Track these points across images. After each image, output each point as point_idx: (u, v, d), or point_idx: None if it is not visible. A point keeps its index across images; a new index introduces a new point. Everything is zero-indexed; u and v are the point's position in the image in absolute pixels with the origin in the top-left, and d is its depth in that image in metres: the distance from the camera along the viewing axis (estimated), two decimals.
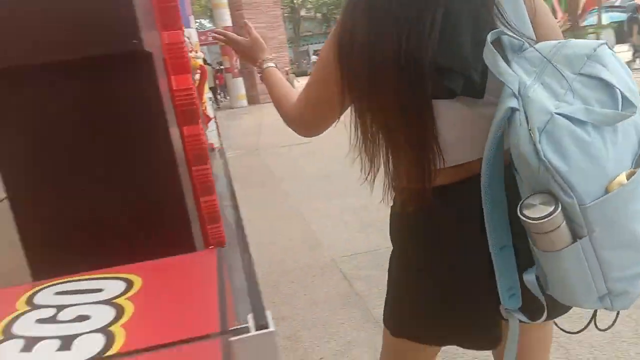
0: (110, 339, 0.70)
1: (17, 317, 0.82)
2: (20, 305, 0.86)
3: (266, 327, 0.55)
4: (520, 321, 0.99)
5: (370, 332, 2.35)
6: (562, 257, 0.83)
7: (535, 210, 0.80)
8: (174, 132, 1.31)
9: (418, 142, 0.93)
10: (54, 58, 1.02)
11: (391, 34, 0.89)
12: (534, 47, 0.86)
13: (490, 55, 0.83)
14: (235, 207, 2.21)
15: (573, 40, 0.88)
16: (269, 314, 0.58)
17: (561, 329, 1.12)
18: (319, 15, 43.14)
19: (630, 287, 0.86)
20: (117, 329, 0.73)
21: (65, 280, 0.94)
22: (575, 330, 1.05)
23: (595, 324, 1.01)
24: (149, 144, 1.13)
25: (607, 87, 0.79)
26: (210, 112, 6.80)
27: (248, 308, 0.68)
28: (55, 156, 1.11)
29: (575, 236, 0.80)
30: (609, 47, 0.85)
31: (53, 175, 1.12)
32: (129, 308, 0.79)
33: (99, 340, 0.70)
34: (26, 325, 0.78)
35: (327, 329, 2.44)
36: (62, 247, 1.13)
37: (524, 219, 0.81)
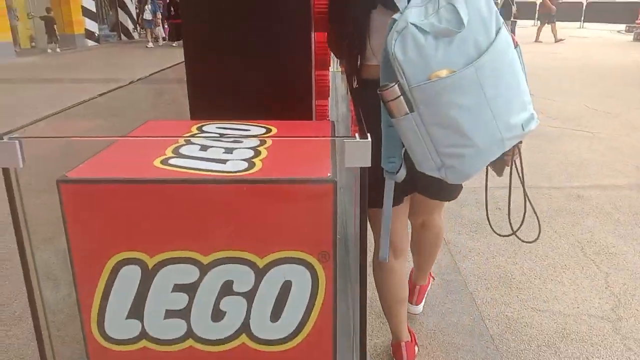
0: (251, 166, 1.00)
1: (194, 134, 1.19)
2: (194, 129, 1.23)
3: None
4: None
5: None
6: (402, 125, 1.18)
7: (386, 86, 1.15)
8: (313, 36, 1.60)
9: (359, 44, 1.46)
10: None
11: None
12: None
13: None
14: None
15: None
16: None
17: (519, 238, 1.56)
18: None
19: (456, 163, 1.20)
20: (256, 160, 1.03)
21: (223, 122, 1.30)
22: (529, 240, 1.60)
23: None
24: (297, 38, 1.44)
25: (457, 11, 1.13)
26: None
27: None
28: (226, 39, 1.45)
29: (410, 110, 1.15)
30: None
31: (219, 49, 1.47)
32: (264, 150, 1.10)
33: (243, 164, 1.01)
34: (200, 140, 1.14)
35: None
36: (219, 107, 1.49)
37: (378, 92, 1.17)
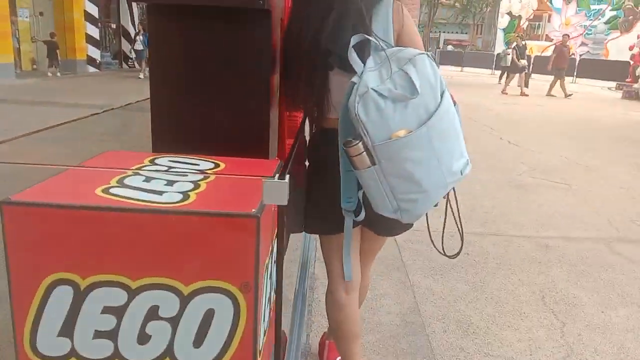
0: (185, 198, 1.08)
1: (145, 165, 1.26)
2: (146, 161, 1.31)
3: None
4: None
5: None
6: (364, 175, 1.34)
7: (350, 143, 1.32)
8: (276, 78, 1.70)
9: (318, 100, 1.58)
10: (197, 1, 1.44)
11: (301, 29, 1.56)
12: (384, 50, 1.36)
13: (350, 51, 1.36)
14: None
15: (407, 48, 1.38)
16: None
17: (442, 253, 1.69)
18: (458, 4, 41.81)
19: (409, 207, 1.37)
20: (192, 193, 1.11)
21: (178, 155, 1.38)
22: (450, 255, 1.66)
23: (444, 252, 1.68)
24: (254, 79, 1.53)
25: (410, 79, 1.29)
26: None
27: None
28: (187, 74, 1.55)
29: (372, 163, 1.31)
30: (429, 57, 1.32)
31: (183, 87, 1.56)
32: (204, 184, 1.17)
33: (178, 196, 1.08)
34: (147, 172, 1.22)
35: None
36: (180, 142, 1.58)
37: (344, 147, 1.34)
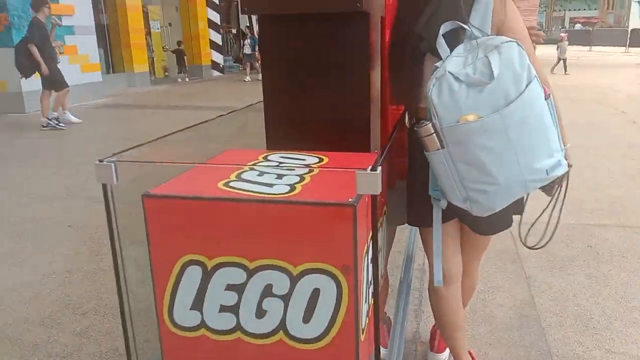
0: (292, 189, 1.20)
1: (259, 162, 1.42)
2: (260, 158, 1.46)
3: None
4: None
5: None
6: (433, 158, 1.37)
7: (421, 123, 1.35)
8: (376, 74, 1.78)
9: (412, 89, 1.60)
10: (297, 10, 1.57)
11: (402, 19, 1.66)
12: (477, 38, 1.37)
13: (439, 37, 1.39)
14: None
15: (499, 36, 1.35)
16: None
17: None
18: None
19: (479, 198, 1.34)
20: (298, 185, 1.22)
21: (288, 152, 1.52)
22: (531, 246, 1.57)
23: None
24: (354, 80, 1.63)
25: (490, 65, 1.27)
26: None
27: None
28: (294, 75, 1.69)
29: (441, 146, 1.32)
30: (519, 45, 1.27)
31: (291, 88, 1.70)
32: (308, 177, 1.28)
33: (286, 188, 1.20)
34: (261, 167, 1.37)
35: None
36: (290, 139, 1.72)
37: (415, 128, 1.39)
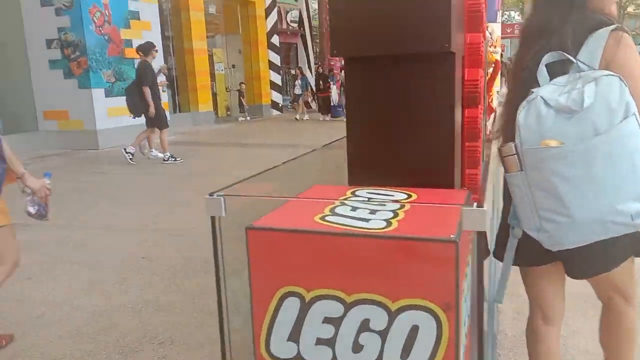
0: (388, 224, 1.22)
1: (348, 197, 1.45)
2: (348, 193, 1.50)
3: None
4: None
5: None
6: (511, 180, 1.37)
7: (505, 144, 1.39)
8: (458, 112, 1.79)
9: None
10: (388, 51, 1.61)
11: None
12: (581, 71, 1.37)
13: (540, 65, 1.44)
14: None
15: (601, 70, 1.33)
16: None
17: None
18: None
19: (550, 228, 1.30)
20: (393, 221, 1.24)
21: (373, 188, 1.55)
22: None
23: None
24: (439, 117, 1.65)
25: (583, 95, 1.27)
26: (495, 104, 7.02)
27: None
28: (379, 113, 1.73)
29: (520, 168, 1.33)
30: (620, 80, 1.25)
31: (375, 126, 1.74)
32: (402, 213, 1.31)
33: (382, 223, 1.23)
34: (352, 202, 1.40)
35: None
36: (373, 175, 1.75)
37: (498, 147, 1.41)
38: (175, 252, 4.00)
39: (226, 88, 17.74)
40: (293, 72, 21.50)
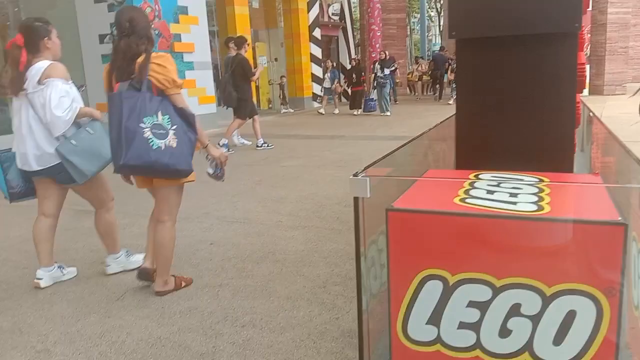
0: (539, 208, 1.18)
1: (474, 181, 1.41)
2: (472, 176, 1.46)
3: None
4: None
5: None
6: None
7: None
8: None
9: None
10: (512, 32, 1.57)
11: None
12: None
13: None
14: None
15: None
16: None
17: None
18: None
19: None
20: (543, 204, 1.20)
21: (496, 172, 1.51)
22: None
23: None
24: (561, 101, 1.60)
25: None
26: None
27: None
28: (492, 96, 1.69)
29: None
30: None
31: (487, 109, 1.70)
32: (546, 194, 1.27)
33: (532, 206, 1.19)
34: (482, 184, 1.36)
35: None
36: (479, 157, 1.71)
37: None
38: (239, 239, 4.05)
39: (269, 81, 17.85)
40: (334, 64, 21.32)
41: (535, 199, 1.22)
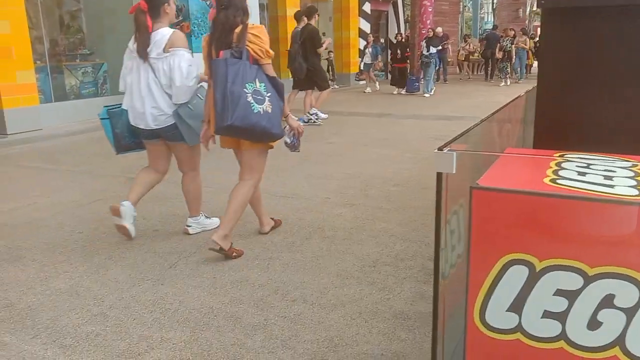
0: None
1: (561, 161, 1.32)
2: (557, 156, 1.36)
3: None
4: None
5: None
6: None
7: None
8: None
9: None
10: (611, 2, 1.44)
11: None
12: None
13: None
14: None
15: None
16: None
17: None
18: None
19: None
20: None
21: (583, 154, 1.41)
22: None
23: None
24: None
25: None
26: None
27: None
28: (578, 73, 1.57)
29: None
30: None
31: (573, 86, 1.58)
32: None
33: (633, 190, 1.09)
34: (570, 165, 1.27)
35: None
36: (560, 137, 1.61)
37: None
38: (290, 213, 4.05)
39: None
40: (382, 40, 20.94)
41: (634, 182, 1.12)
